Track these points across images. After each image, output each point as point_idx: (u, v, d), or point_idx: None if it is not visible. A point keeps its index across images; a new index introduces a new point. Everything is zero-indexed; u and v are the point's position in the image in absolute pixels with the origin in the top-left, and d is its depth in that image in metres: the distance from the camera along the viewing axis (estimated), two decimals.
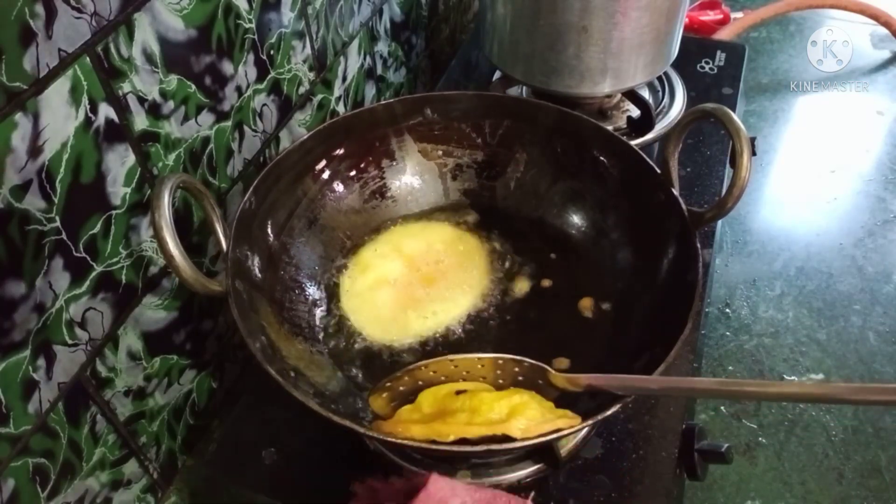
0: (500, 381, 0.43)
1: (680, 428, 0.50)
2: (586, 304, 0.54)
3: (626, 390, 0.40)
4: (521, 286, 0.56)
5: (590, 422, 0.39)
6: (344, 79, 0.70)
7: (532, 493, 0.41)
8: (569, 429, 0.39)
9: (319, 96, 0.66)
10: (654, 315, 0.48)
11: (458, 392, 0.41)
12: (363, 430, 0.39)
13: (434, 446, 0.38)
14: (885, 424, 0.61)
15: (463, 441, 0.39)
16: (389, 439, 0.39)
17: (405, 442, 0.39)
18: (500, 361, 0.42)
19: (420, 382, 0.43)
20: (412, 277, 0.56)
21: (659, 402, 0.52)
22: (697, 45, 0.84)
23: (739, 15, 1.01)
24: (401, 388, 0.43)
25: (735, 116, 0.46)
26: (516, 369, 0.42)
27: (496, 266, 0.57)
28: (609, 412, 0.39)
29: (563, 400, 0.47)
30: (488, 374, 0.43)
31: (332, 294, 0.55)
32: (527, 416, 0.39)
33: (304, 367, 0.48)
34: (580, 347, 0.52)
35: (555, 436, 0.39)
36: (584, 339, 0.52)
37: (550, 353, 0.52)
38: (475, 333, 0.53)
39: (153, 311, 0.50)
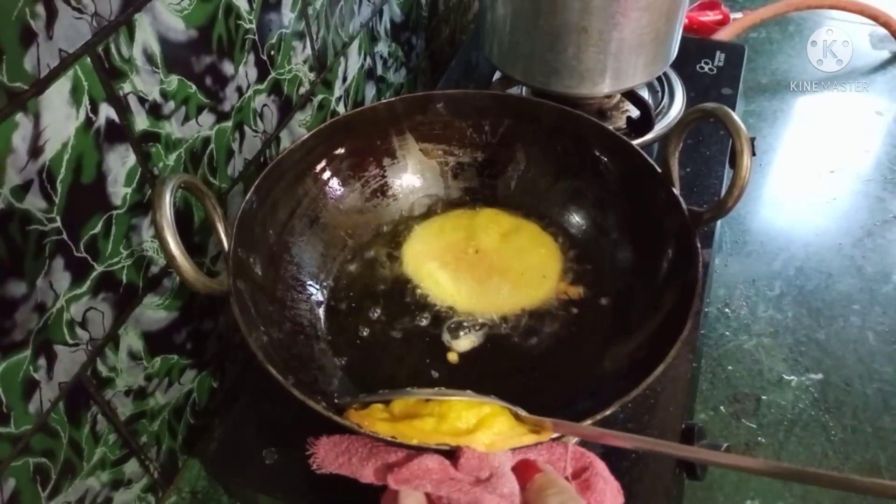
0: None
1: (679, 427, 0.50)
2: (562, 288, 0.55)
3: (592, 440, 0.40)
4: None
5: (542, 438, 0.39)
6: (344, 79, 0.70)
7: (575, 441, 0.41)
8: (535, 443, 0.39)
9: (320, 97, 0.66)
10: (654, 314, 0.48)
11: (429, 400, 0.41)
12: (339, 420, 0.39)
13: (435, 446, 0.38)
14: (885, 424, 0.61)
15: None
16: (355, 429, 0.39)
17: (370, 434, 0.39)
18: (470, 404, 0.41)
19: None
20: (471, 251, 0.57)
21: (658, 402, 0.52)
22: (697, 45, 0.84)
23: (739, 15, 1.01)
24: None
25: (735, 116, 0.46)
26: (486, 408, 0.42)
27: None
28: (608, 411, 0.39)
29: (558, 401, 0.48)
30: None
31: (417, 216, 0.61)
32: (494, 430, 0.39)
33: (305, 366, 0.48)
34: (577, 348, 0.52)
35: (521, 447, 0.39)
36: (582, 340, 0.52)
37: (545, 356, 0.52)
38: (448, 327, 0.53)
39: (154, 311, 0.50)
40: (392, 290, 0.56)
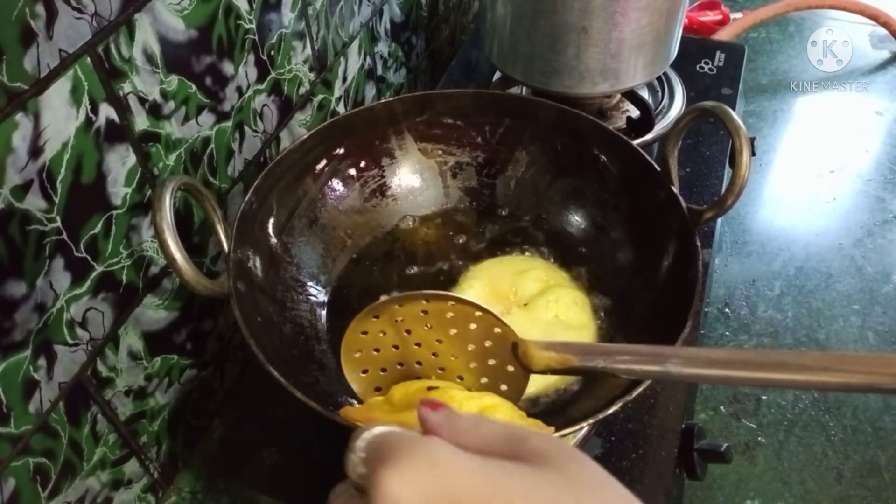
0: (471, 364, 0.40)
1: (679, 427, 0.51)
2: None
3: (624, 373, 0.35)
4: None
5: (568, 430, 0.39)
6: (344, 79, 0.70)
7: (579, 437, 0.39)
8: None
9: (320, 97, 0.66)
10: (655, 313, 0.49)
11: (430, 388, 0.41)
12: (342, 421, 0.39)
13: None
14: (885, 424, 0.61)
15: None
16: (354, 426, 0.38)
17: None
18: (478, 313, 0.39)
19: (382, 333, 0.41)
20: (518, 302, 0.54)
21: (658, 402, 0.52)
22: (697, 45, 0.84)
23: (739, 15, 1.01)
24: (373, 350, 0.41)
25: (734, 114, 0.46)
26: (487, 342, 0.39)
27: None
28: (609, 410, 0.39)
29: (556, 402, 0.48)
30: (457, 341, 0.40)
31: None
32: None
33: (306, 367, 0.48)
34: None
35: None
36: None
37: None
38: None
39: (154, 311, 0.50)
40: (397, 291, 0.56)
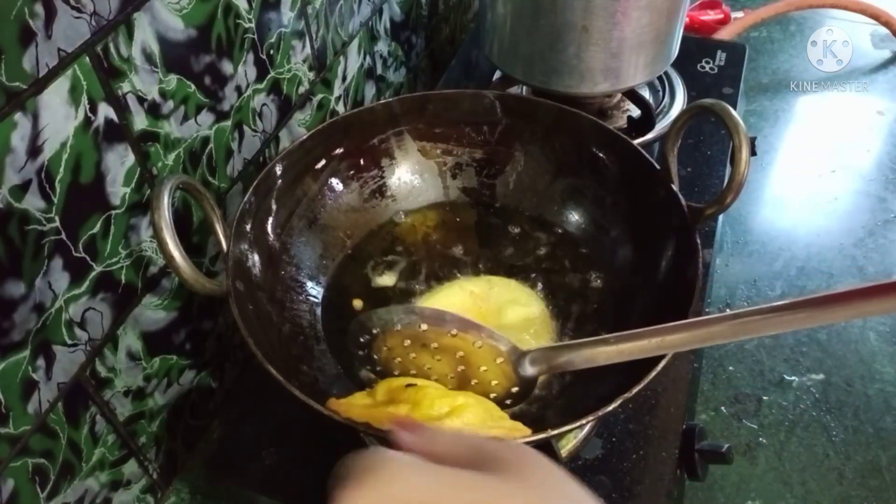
0: (459, 368, 0.41)
1: (680, 428, 0.50)
2: None
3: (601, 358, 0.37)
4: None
5: (542, 436, 0.38)
6: (344, 78, 0.70)
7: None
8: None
9: (319, 96, 0.66)
10: (655, 312, 0.48)
11: (408, 385, 0.41)
12: (327, 412, 0.39)
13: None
14: (886, 424, 0.61)
15: None
16: (333, 417, 0.39)
17: (346, 421, 0.39)
18: (478, 344, 0.40)
19: (386, 347, 0.42)
20: (489, 301, 0.53)
21: (659, 403, 0.52)
22: (698, 44, 0.84)
23: (740, 15, 1.01)
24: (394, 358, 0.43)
25: (733, 111, 0.46)
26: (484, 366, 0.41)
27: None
28: (610, 407, 0.39)
29: (561, 399, 0.48)
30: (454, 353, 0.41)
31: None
32: (464, 419, 0.39)
33: (306, 367, 0.48)
34: None
35: None
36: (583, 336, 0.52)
37: None
38: None
39: (153, 311, 0.50)
40: (393, 294, 0.56)
